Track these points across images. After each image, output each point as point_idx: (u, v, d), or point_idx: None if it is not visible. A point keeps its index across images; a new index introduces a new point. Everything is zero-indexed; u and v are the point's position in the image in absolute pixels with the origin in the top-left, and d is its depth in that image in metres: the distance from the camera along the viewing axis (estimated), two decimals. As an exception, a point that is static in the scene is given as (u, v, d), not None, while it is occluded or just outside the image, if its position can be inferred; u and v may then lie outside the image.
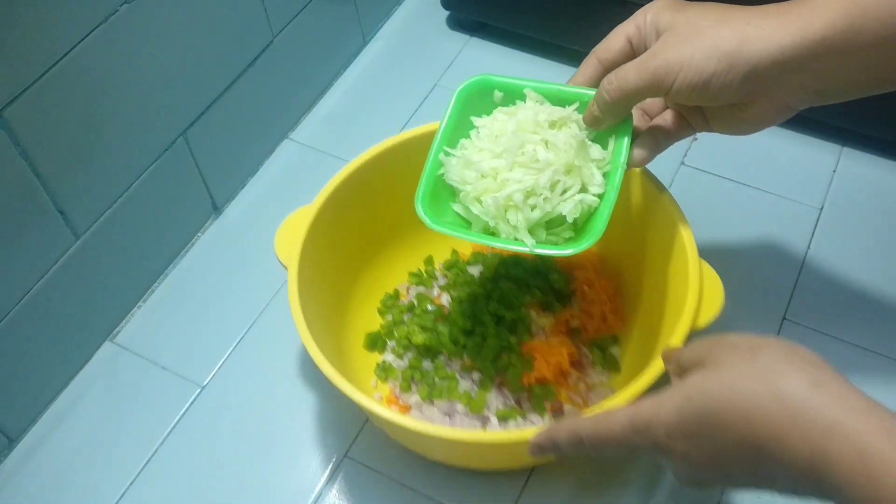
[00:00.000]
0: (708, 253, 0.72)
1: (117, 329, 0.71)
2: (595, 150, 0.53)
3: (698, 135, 0.82)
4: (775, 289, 0.70)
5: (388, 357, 0.67)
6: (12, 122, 0.54)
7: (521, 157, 0.52)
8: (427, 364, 0.65)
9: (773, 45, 0.44)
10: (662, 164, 0.79)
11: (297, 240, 0.59)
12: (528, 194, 0.51)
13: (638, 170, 0.61)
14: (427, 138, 0.59)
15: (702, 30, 0.46)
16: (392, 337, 0.67)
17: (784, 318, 0.68)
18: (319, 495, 0.61)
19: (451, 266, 0.71)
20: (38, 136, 0.56)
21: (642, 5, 0.51)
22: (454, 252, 0.71)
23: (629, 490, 0.60)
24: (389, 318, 0.68)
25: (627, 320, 0.66)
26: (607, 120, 0.52)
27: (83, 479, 0.63)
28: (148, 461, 0.63)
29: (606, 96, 0.50)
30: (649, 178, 0.61)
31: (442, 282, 0.70)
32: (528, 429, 0.50)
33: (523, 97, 0.55)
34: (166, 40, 0.65)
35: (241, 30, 0.72)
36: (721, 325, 0.68)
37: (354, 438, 0.64)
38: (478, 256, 0.70)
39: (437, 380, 0.64)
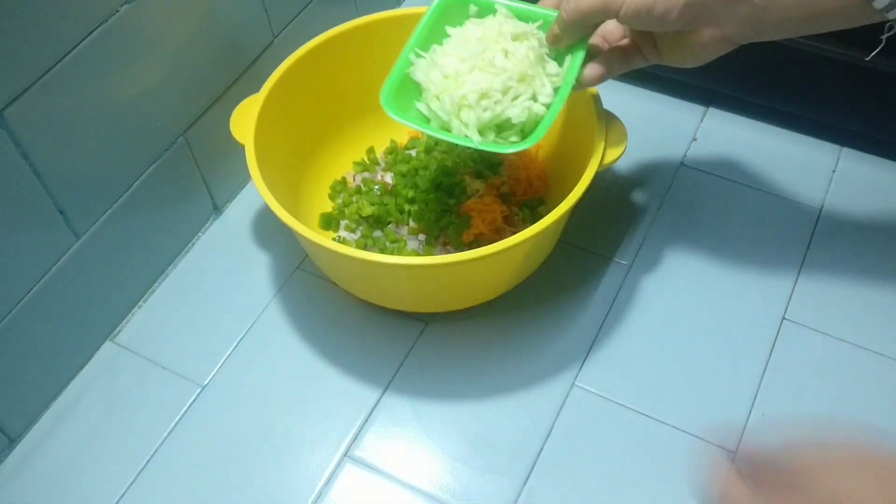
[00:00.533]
0: (707, 252, 0.73)
1: (117, 329, 0.71)
2: (551, 66, 0.59)
3: (698, 135, 0.82)
4: (775, 289, 0.70)
5: (342, 233, 0.74)
6: (12, 122, 0.54)
7: (480, 62, 0.58)
8: (378, 233, 0.73)
9: None
10: (662, 164, 0.79)
11: (250, 120, 0.66)
12: (482, 96, 0.57)
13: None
14: (357, 31, 0.73)
15: None
16: (344, 216, 0.74)
17: (784, 318, 0.68)
18: (319, 495, 0.61)
19: (390, 152, 0.79)
20: (38, 136, 0.56)
21: None
22: (392, 141, 0.79)
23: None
24: (340, 200, 0.76)
25: (551, 182, 0.76)
26: (565, 38, 0.57)
27: (83, 479, 0.63)
28: (148, 461, 0.63)
29: (564, 15, 0.56)
30: None
31: (384, 165, 0.78)
32: (444, 256, 0.59)
33: (496, 13, 0.61)
34: (166, 40, 0.65)
35: (241, 30, 0.73)
36: (723, 322, 0.68)
37: (354, 438, 0.64)
38: (414, 141, 0.79)
39: (387, 244, 0.71)
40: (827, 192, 0.77)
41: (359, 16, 0.73)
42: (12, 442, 0.65)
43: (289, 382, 0.67)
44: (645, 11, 0.52)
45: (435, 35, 0.62)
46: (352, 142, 0.79)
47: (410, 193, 0.73)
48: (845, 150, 0.80)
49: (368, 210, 0.72)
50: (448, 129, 0.59)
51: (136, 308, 0.72)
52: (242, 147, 0.65)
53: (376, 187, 0.75)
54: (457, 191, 0.73)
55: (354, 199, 0.75)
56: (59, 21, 0.55)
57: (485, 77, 0.57)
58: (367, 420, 0.65)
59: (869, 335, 0.67)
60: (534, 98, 0.58)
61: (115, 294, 0.70)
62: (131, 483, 0.62)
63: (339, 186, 0.77)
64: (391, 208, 0.73)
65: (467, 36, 0.60)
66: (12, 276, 0.59)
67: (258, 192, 0.62)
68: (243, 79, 0.74)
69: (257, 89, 0.68)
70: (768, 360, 0.66)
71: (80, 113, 0.59)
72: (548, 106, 0.58)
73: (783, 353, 0.66)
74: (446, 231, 0.71)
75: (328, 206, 0.76)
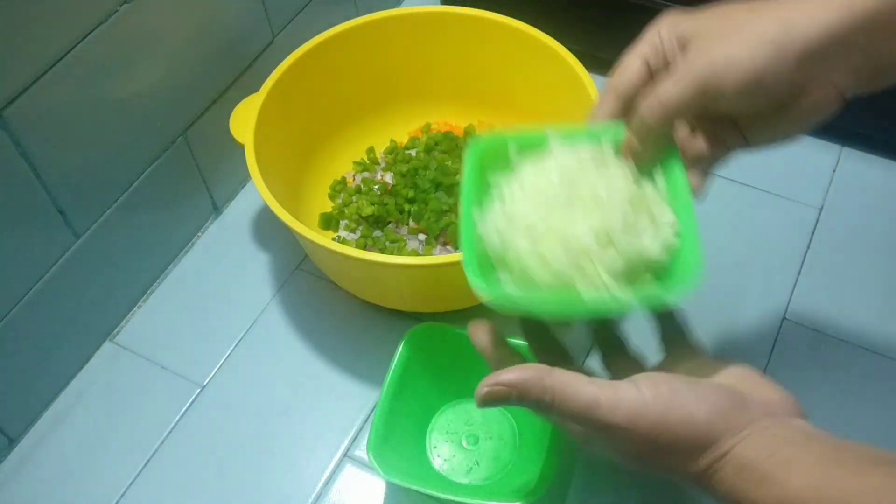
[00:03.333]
0: (707, 251, 0.73)
1: (117, 329, 0.71)
2: (647, 188, 0.46)
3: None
4: (775, 289, 0.70)
5: (342, 233, 0.74)
6: (12, 122, 0.54)
7: (579, 200, 0.44)
8: (378, 233, 0.73)
9: (821, 23, 0.41)
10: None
11: (250, 120, 0.65)
12: (601, 236, 0.42)
13: (555, 49, 0.69)
14: (357, 31, 0.72)
15: (739, 24, 0.42)
16: (344, 216, 0.74)
17: (784, 318, 0.68)
18: (319, 495, 0.61)
19: (390, 151, 0.79)
20: (38, 136, 0.56)
21: (658, 9, 0.48)
22: (392, 141, 0.79)
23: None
24: (340, 200, 0.76)
25: None
26: (648, 150, 0.45)
27: (83, 479, 0.63)
28: (148, 461, 0.63)
29: (649, 119, 0.44)
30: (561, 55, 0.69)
31: (384, 165, 0.78)
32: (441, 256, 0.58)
33: (542, 145, 0.47)
34: (166, 40, 0.65)
35: (241, 29, 0.72)
36: (723, 322, 0.68)
37: (354, 438, 0.64)
38: (414, 141, 0.79)
39: (387, 244, 0.71)
40: (827, 192, 0.77)
41: (359, 15, 0.73)
42: (12, 442, 0.65)
43: (289, 382, 0.67)
44: (755, 83, 0.41)
45: (482, 189, 0.48)
46: (351, 141, 0.79)
47: (410, 193, 0.73)
48: (845, 150, 0.80)
49: (368, 210, 0.72)
50: (565, 301, 0.42)
51: (135, 308, 0.72)
52: (242, 147, 0.65)
53: (376, 187, 0.75)
54: (457, 191, 0.73)
55: (354, 198, 0.75)
56: (58, 20, 0.55)
57: (596, 215, 0.43)
58: (367, 420, 0.65)
59: (869, 335, 0.67)
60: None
61: (114, 294, 0.70)
62: (131, 483, 0.62)
63: (339, 186, 0.77)
64: (391, 208, 0.73)
65: (540, 181, 0.45)
66: (12, 275, 0.59)
67: (258, 191, 0.62)
68: (243, 78, 0.74)
69: (257, 89, 0.68)
70: (768, 360, 0.66)
71: (80, 113, 0.59)
72: (678, 234, 0.44)
73: (783, 353, 0.66)
74: (446, 231, 0.71)
75: (328, 206, 0.76)
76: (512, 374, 0.41)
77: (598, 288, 0.42)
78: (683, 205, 0.45)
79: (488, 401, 0.42)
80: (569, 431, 0.45)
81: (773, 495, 0.37)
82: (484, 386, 0.42)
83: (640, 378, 0.41)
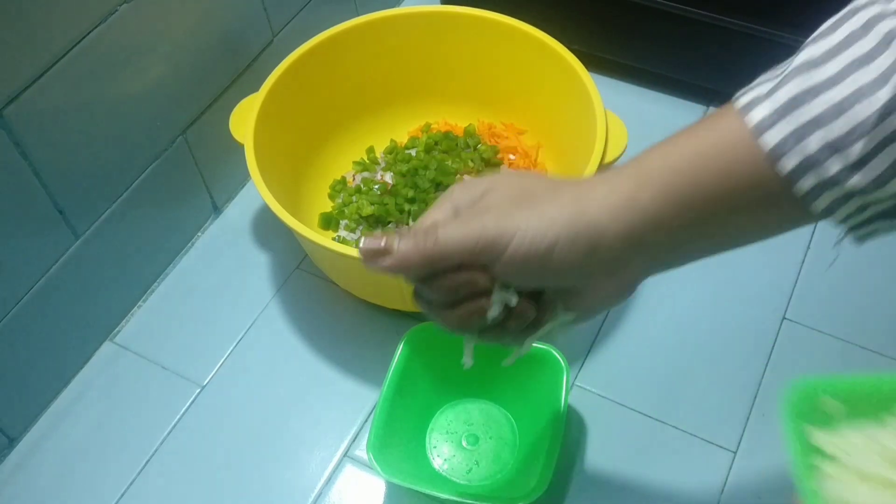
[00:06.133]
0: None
1: (117, 329, 0.71)
2: None
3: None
4: (775, 289, 0.70)
5: (342, 233, 0.74)
6: (12, 122, 0.54)
7: None
8: (377, 233, 0.68)
9: (618, 225, 0.38)
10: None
11: (250, 120, 0.66)
12: None
13: (555, 49, 0.68)
14: (357, 31, 0.72)
15: (537, 194, 0.39)
16: (344, 216, 0.74)
17: (784, 318, 0.68)
18: (319, 495, 0.61)
19: (390, 151, 0.79)
20: (37, 135, 0.56)
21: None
22: (392, 140, 0.79)
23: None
24: (340, 199, 0.76)
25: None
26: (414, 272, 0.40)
27: (83, 479, 0.63)
28: (148, 461, 0.63)
29: (422, 250, 0.38)
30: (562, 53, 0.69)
31: (384, 165, 0.78)
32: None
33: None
34: (166, 40, 0.65)
35: (241, 29, 0.72)
36: (722, 323, 0.68)
37: (354, 438, 0.64)
38: (414, 141, 0.79)
39: None
40: (827, 191, 0.77)
41: (359, 15, 0.73)
42: (12, 442, 0.65)
43: (288, 382, 0.67)
44: (544, 253, 0.37)
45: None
46: (352, 141, 0.79)
47: (410, 193, 0.73)
48: (845, 149, 0.80)
49: (368, 210, 0.72)
50: None
51: (135, 308, 0.72)
52: (242, 147, 0.65)
53: (376, 187, 0.75)
54: None
55: (354, 198, 0.75)
56: (58, 20, 0.55)
57: None
58: (367, 420, 0.65)
59: (869, 335, 0.67)
60: None
61: (114, 294, 0.70)
62: (131, 483, 0.62)
63: (339, 186, 0.77)
64: (391, 208, 0.73)
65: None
66: (12, 275, 0.59)
67: (258, 191, 0.62)
68: (243, 78, 0.74)
69: (257, 88, 0.68)
70: (768, 360, 0.66)
71: (80, 112, 0.59)
72: None
73: (783, 353, 0.66)
74: None
75: (328, 206, 0.76)
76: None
77: None
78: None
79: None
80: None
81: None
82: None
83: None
